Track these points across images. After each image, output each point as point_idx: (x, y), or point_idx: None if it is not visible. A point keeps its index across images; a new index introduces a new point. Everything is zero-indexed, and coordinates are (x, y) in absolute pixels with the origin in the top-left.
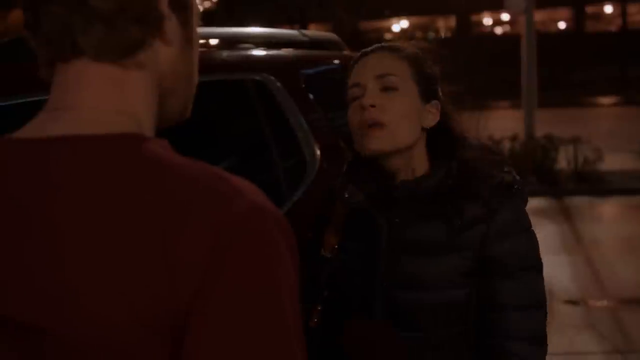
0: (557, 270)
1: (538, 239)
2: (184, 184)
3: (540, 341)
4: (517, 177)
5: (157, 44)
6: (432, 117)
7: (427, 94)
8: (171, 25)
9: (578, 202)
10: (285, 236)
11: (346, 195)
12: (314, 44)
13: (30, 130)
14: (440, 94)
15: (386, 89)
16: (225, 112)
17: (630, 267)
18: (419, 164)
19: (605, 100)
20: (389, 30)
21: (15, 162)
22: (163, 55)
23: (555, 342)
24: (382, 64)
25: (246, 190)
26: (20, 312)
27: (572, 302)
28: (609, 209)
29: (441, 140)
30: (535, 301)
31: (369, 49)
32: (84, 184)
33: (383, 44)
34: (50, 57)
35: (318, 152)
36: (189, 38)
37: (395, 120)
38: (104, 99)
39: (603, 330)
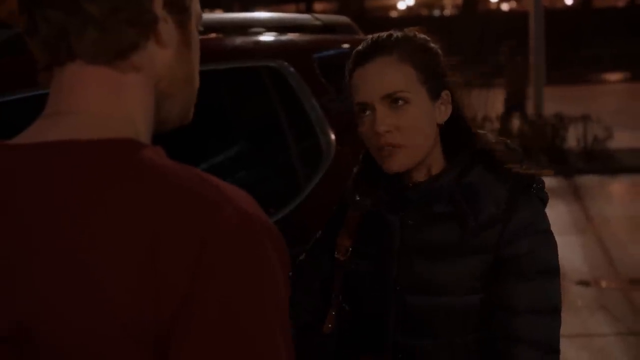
0: (568, 250)
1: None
2: (174, 191)
3: (550, 348)
4: (538, 177)
5: (152, 46)
6: (445, 110)
7: (436, 89)
8: (167, 27)
9: (588, 181)
10: (276, 247)
11: (357, 198)
12: (327, 27)
13: (28, 136)
14: (448, 79)
15: (396, 105)
16: (241, 99)
17: None
18: (435, 161)
19: (614, 77)
20: (394, 8)
21: (11, 168)
22: (159, 58)
23: (568, 323)
24: (386, 78)
25: (236, 198)
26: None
27: (584, 283)
28: (619, 187)
29: (455, 129)
30: (549, 306)
31: (364, 51)
32: (73, 191)
33: (379, 39)
34: (48, 62)
35: (333, 137)
36: (186, 41)
37: (413, 137)
38: (99, 102)
39: (616, 312)
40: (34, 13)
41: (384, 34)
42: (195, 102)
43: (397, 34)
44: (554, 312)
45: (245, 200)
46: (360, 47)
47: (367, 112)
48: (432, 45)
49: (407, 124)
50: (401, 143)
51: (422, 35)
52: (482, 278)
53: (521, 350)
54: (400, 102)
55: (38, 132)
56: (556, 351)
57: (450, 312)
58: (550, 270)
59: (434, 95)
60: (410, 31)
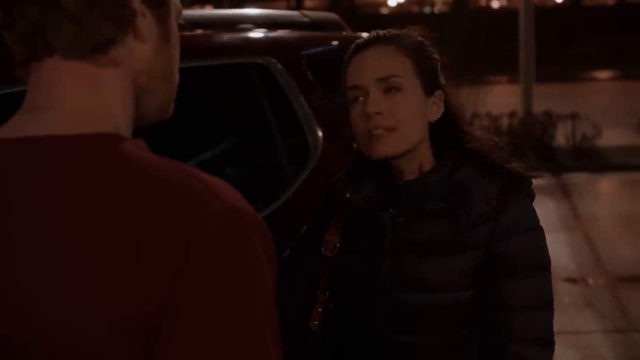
0: (555, 248)
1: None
2: (158, 185)
3: (546, 342)
4: (525, 174)
5: (130, 41)
6: (437, 109)
7: (431, 86)
8: (145, 22)
9: (577, 178)
10: (262, 240)
11: (348, 195)
12: (316, 24)
13: (6, 131)
14: (442, 81)
15: (389, 90)
16: (229, 96)
17: (630, 244)
18: (425, 159)
19: (603, 74)
20: (385, 5)
21: None
22: (137, 52)
23: (555, 320)
24: (382, 63)
25: (222, 192)
26: None
27: (571, 281)
28: (607, 185)
29: (445, 131)
30: (542, 302)
31: (364, 41)
32: (53, 188)
33: (378, 33)
34: (25, 57)
35: (320, 134)
36: (166, 35)
37: (403, 122)
38: (78, 97)
39: (603, 309)
40: (11, 9)
41: (384, 30)
42: (184, 98)
43: (396, 30)
44: (548, 306)
45: (233, 195)
46: (359, 40)
47: (360, 98)
48: (429, 47)
49: (399, 109)
50: (391, 125)
51: (421, 37)
52: (473, 275)
53: (516, 347)
54: (394, 89)
55: (16, 128)
56: (552, 343)
57: (441, 308)
58: (542, 265)
59: (428, 91)
60: (410, 30)
